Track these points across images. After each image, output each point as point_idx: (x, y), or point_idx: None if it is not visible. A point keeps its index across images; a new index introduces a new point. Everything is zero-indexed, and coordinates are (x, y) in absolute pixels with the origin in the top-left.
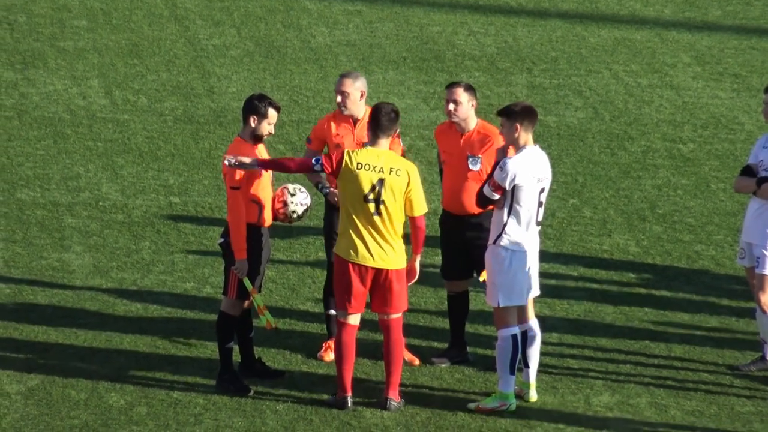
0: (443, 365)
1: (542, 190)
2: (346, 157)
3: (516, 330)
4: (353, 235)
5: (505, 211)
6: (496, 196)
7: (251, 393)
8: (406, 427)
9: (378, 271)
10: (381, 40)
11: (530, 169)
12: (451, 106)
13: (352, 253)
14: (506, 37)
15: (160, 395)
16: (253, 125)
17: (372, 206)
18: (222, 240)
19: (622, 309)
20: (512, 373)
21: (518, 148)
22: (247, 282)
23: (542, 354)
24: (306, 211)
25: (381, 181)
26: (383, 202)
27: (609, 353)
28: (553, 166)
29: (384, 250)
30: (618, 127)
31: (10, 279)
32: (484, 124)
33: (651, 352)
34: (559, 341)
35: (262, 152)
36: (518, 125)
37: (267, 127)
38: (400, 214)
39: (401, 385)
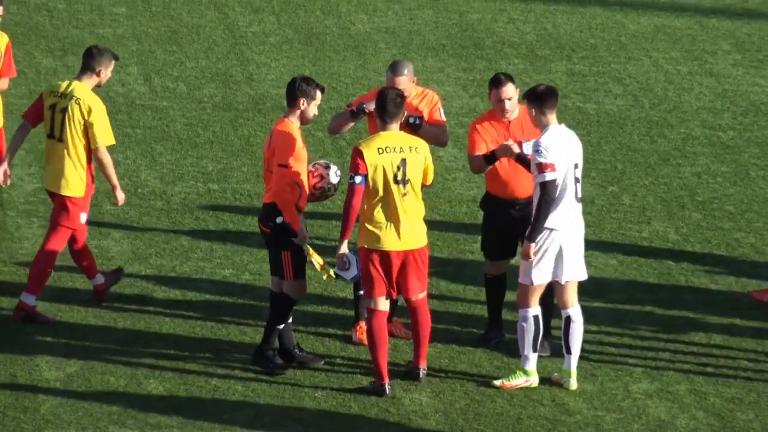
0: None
1: (576, 166)
2: (363, 149)
3: (538, 311)
4: (382, 223)
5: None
6: (555, 174)
7: (286, 373)
8: (444, 414)
9: (407, 253)
10: (420, 27)
11: (559, 145)
12: (507, 105)
13: (382, 241)
14: (546, 24)
15: (199, 382)
16: (302, 107)
17: (401, 187)
18: (272, 223)
19: (661, 296)
20: (535, 351)
21: (543, 128)
22: (306, 246)
23: (582, 341)
24: (338, 183)
25: (404, 161)
26: (408, 181)
27: (648, 341)
28: (592, 154)
29: (412, 231)
30: (657, 115)
31: None
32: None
33: (690, 340)
34: (599, 329)
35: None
36: (535, 109)
37: (314, 109)
38: (420, 191)
39: (440, 371)
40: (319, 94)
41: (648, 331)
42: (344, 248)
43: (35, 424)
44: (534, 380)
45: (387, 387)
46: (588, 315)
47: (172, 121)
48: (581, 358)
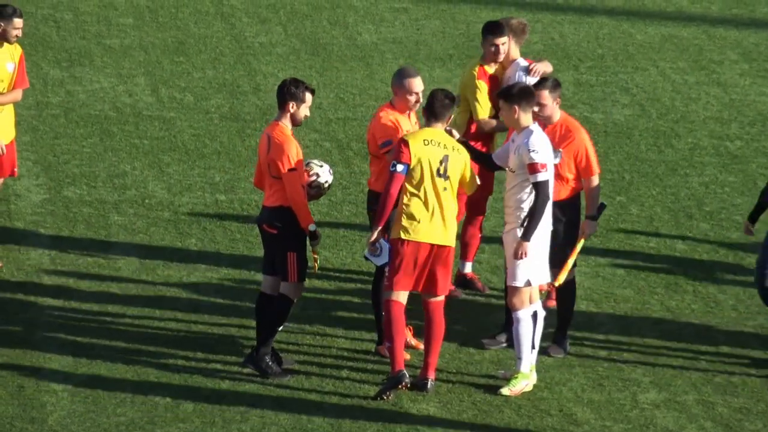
0: (496, 347)
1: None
2: (409, 139)
3: (531, 308)
4: (420, 214)
5: (528, 189)
6: (548, 174)
7: (285, 378)
8: (452, 425)
9: (439, 249)
10: (427, 37)
11: (547, 145)
12: (536, 108)
13: (419, 232)
14: (553, 34)
15: (206, 392)
16: (292, 111)
17: (442, 181)
18: (281, 225)
19: (669, 306)
20: (534, 348)
21: (521, 129)
22: (317, 248)
23: (590, 351)
24: (332, 181)
25: (446, 157)
26: (449, 177)
27: (656, 350)
28: (599, 164)
29: (448, 227)
30: (665, 125)
31: (56, 276)
32: (567, 118)
33: (698, 350)
34: (606, 338)
35: None
36: (516, 107)
37: (304, 111)
38: (456, 192)
39: (448, 380)
40: (308, 96)
41: (655, 341)
42: (377, 235)
43: None
44: (533, 379)
45: (405, 373)
46: (595, 325)
47: (180, 132)
48: (588, 367)
